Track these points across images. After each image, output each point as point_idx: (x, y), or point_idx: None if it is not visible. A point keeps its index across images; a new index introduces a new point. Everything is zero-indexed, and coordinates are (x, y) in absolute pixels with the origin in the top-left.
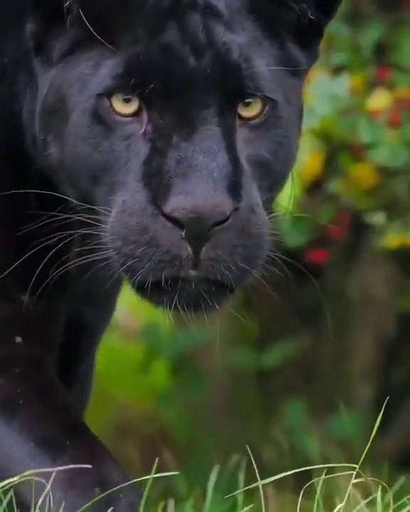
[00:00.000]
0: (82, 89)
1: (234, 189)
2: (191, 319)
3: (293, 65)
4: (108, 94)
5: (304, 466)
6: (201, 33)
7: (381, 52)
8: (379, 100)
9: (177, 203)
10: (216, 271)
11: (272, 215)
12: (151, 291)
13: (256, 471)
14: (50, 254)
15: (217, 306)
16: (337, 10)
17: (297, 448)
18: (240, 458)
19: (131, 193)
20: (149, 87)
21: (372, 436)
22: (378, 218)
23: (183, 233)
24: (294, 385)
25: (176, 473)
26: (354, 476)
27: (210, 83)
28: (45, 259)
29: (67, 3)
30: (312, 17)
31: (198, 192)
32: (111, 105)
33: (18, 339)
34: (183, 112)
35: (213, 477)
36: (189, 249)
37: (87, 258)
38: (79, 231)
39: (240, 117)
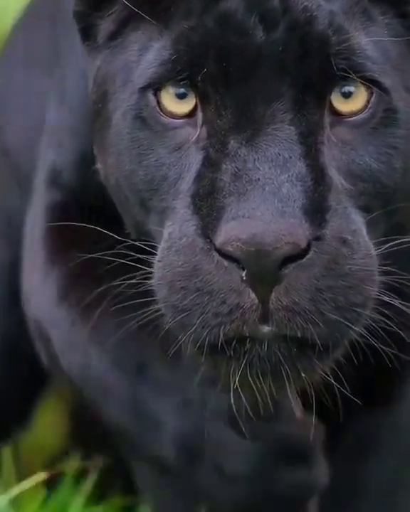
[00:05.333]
0: (126, 83)
1: (314, 211)
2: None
3: None
4: (154, 87)
5: None
6: None
7: None
8: None
9: (229, 232)
10: (294, 324)
11: (393, 244)
12: (210, 354)
13: None
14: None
15: (303, 374)
16: None
17: None
18: None
19: (178, 223)
20: (202, 72)
21: None
22: None
23: (243, 274)
24: None
25: None
26: None
27: (283, 64)
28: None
29: None
30: None
31: (257, 216)
32: (158, 103)
33: None
34: (245, 107)
35: None
36: (253, 295)
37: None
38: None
39: (336, 112)
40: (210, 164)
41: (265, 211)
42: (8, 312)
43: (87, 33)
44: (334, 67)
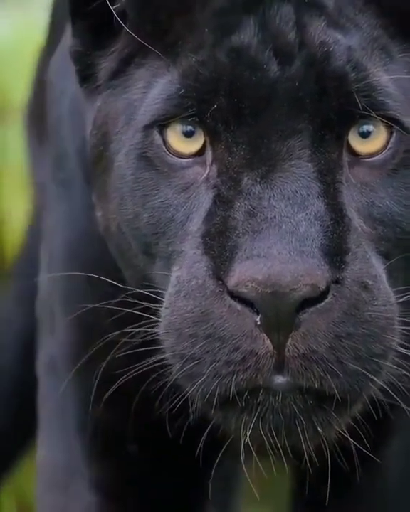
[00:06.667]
0: (129, 122)
1: (334, 252)
2: (280, 449)
3: None
4: (159, 125)
5: None
6: (291, 30)
7: None
8: None
9: (243, 272)
10: (311, 374)
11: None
12: (219, 407)
13: None
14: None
15: (321, 430)
16: None
17: None
18: None
19: (187, 266)
20: (212, 108)
21: None
22: None
23: (258, 319)
24: None
25: None
26: None
27: (300, 101)
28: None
29: (116, 5)
30: None
31: (274, 255)
32: (164, 141)
33: None
34: (259, 143)
35: None
36: (268, 342)
37: (139, 367)
38: (126, 329)
39: (354, 153)
40: (222, 202)
41: (282, 250)
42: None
43: (85, 75)
44: (354, 106)
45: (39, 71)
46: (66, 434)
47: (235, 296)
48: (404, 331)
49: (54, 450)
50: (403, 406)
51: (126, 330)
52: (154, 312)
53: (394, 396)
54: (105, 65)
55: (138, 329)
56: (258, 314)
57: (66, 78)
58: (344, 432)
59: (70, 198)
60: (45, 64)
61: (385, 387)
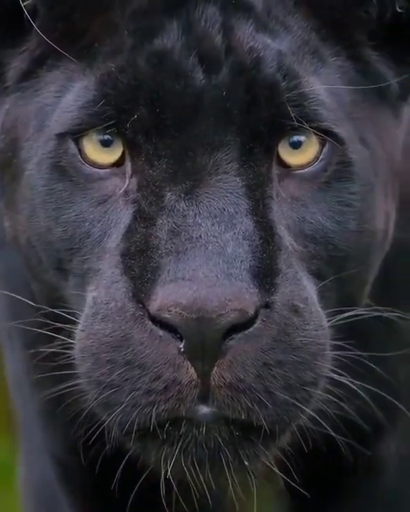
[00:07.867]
0: (41, 129)
1: (263, 274)
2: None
3: (374, 83)
4: (75, 134)
5: None
6: (218, 33)
7: None
8: None
9: (167, 296)
10: (237, 405)
11: (344, 316)
12: (139, 438)
13: None
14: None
15: (246, 462)
16: None
17: None
18: None
19: (105, 286)
20: (131, 118)
21: None
22: None
23: (181, 345)
24: None
25: None
26: None
27: (228, 112)
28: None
29: (27, 1)
30: (401, 10)
31: (200, 278)
32: (80, 151)
33: None
34: (183, 156)
35: None
36: (192, 370)
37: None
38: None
39: (284, 165)
40: (143, 219)
41: (208, 273)
42: None
43: None
44: (286, 117)
45: None
46: (40, 453)
47: (157, 320)
48: (336, 356)
49: (33, 469)
50: (333, 434)
51: (40, 349)
52: (69, 333)
53: (324, 425)
54: (15, 64)
55: (50, 350)
56: (181, 340)
57: None
58: (272, 464)
59: None
60: None
61: (314, 415)
